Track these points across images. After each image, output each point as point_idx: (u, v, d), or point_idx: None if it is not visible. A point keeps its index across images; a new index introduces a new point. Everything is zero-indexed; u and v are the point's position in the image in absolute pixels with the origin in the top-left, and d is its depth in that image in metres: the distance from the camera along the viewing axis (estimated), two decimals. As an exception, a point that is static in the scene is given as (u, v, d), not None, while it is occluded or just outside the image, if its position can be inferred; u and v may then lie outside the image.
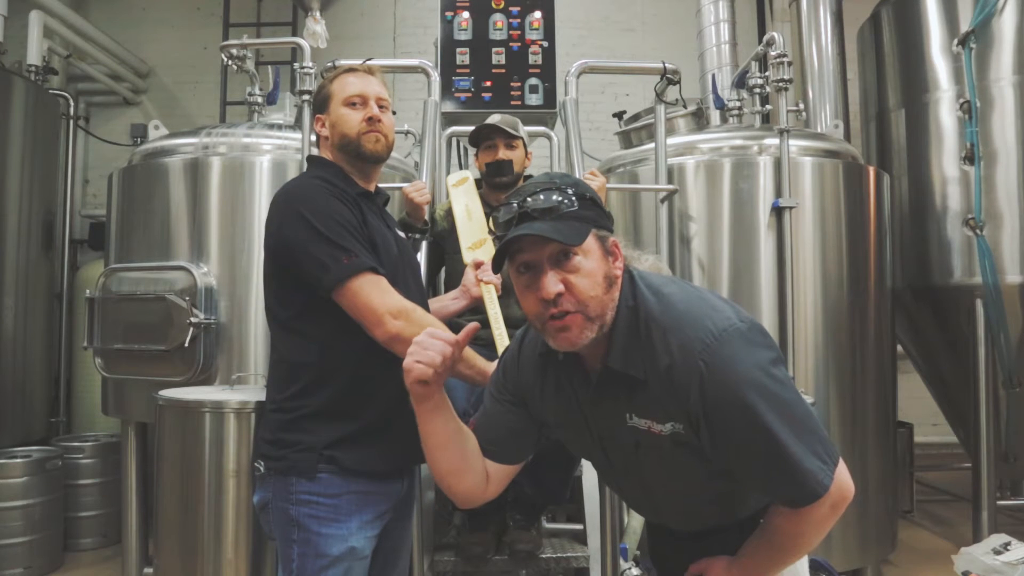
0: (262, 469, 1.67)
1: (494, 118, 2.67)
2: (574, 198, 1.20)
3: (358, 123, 1.73)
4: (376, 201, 1.82)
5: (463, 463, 1.37)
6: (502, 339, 2.18)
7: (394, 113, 1.92)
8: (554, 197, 1.19)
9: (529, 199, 1.19)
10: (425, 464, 1.43)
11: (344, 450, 1.60)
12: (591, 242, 1.20)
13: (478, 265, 2.33)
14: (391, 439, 1.62)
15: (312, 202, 1.63)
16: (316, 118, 1.82)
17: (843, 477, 1.21)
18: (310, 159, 1.85)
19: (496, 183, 2.63)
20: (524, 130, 2.70)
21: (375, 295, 1.57)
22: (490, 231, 2.48)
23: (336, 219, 1.61)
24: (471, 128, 2.75)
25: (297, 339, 1.66)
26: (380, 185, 1.90)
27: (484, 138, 2.66)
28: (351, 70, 1.81)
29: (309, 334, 1.64)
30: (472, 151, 2.84)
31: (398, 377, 1.59)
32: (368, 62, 2.72)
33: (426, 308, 1.87)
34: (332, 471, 1.59)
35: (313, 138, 3.15)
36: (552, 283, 1.16)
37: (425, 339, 1.24)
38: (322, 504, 1.58)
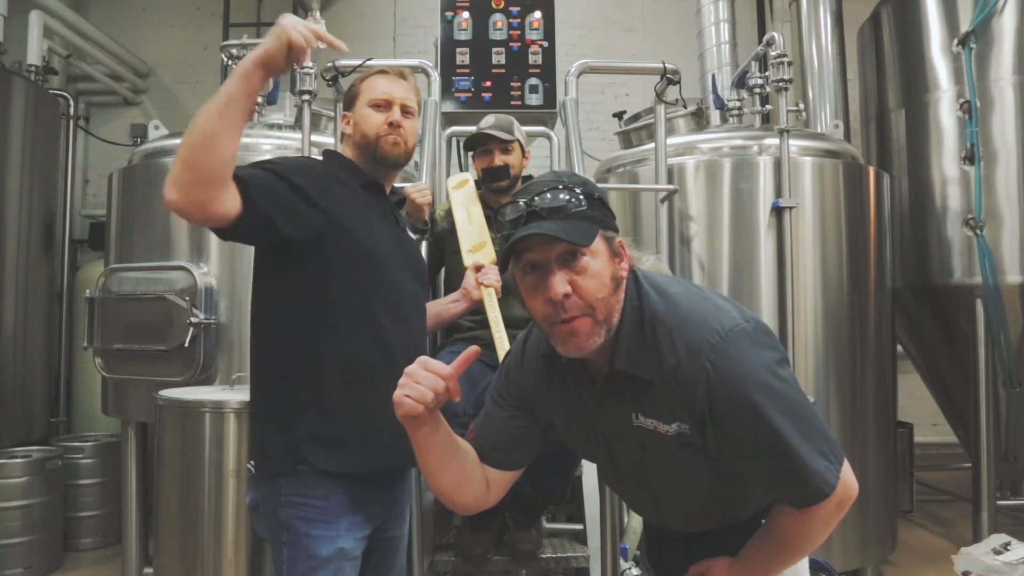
0: (252, 470, 1.67)
1: (488, 121, 2.64)
2: (582, 197, 1.19)
3: (379, 125, 1.73)
4: (385, 198, 1.81)
5: (463, 479, 1.35)
6: (502, 342, 2.18)
7: None
8: (562, 196, 1.18)
9: (537, 198, 1.18)
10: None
11: (321, 451, 1.58)
12: (598, 243, 1.19)
13: (478, 268, 2.33)
14: (371, 443, 1.60)
15: (282, 162, 1.61)
16: (343, 115, 1.82)
17: (848, 476, 1.21)
18: (324, 153, 1.85)
19: (494, 188, 2.63)
20: (520, 130, 2.67)
21: None
22: (491, 227, 2.49)
23: (285, 169, 1.55)
24: (471, 128, 2.75)
25: (271, 340, 1.64)
26: None
27: (479, 143, 2.66)
28: (382, 72, 1.80)
29: (283, 336, 1.62)
30: (470, 154, 2.84)
31: (374, 382, 1.58)
32: (368, 62, 2.72)
33: (423, 310, 1.87)
34: (316, 472, 1.58)
35: (316, 139, 3.17)
36: (560, 284, 1.15)
37: (417, 371, 1.18)
38: (310, 506, 1.57)
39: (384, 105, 1.75)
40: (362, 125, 1.75)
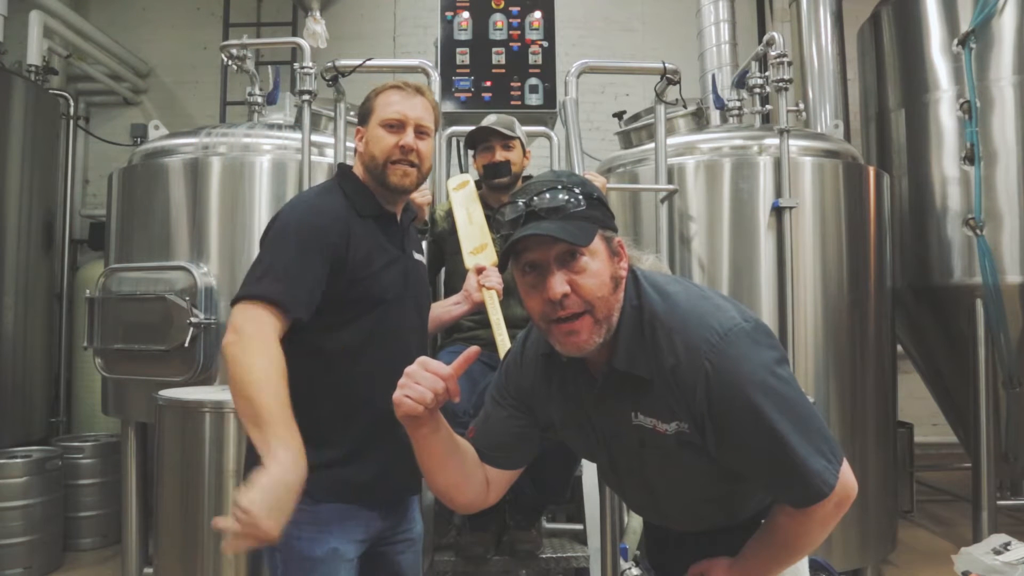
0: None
1: (489, 119, 2.65)
2: (581, 197, 1.18)
3: (390, 147, 1.65)
4: (396, 222, 1.74)
5: (462, 478, 1.35)
6: (504, 344, 2.18)
7: None
8: (561, 196, 1.17)
9: (536, 198, 1.17)
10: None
11: (311, 477, 1.52)
12: (598, 242, 1.19)
13: (480, 270, 2.32)
14: (362, 478, 1.59)
15: (295, 220, 1.59)
16: (356, 130, 1.75)
17: (847, 475, 1.21)
18: (340, 168, 1.79)
19: (495, 184, 2.63)
20: (521, 129, 2.67)
21: (242, 316, 1.51)
22: (492, 228, 2.49)
23: (296, 239, 1.55)
24: (471, 128, 2.75)
25: None
26: None
27: (480, 140, 2.66)
28: (397, 87, 1.70)
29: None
30: (471, 153, 2.84)
31: (367, 420, 1.57)
32: (368, 62, 2.71)
33: (425, 333, 1.84)
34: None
35: (316, 139, 3.17)
36: (559, 283, 1.15)
37: (417, 371, 1.18)
38: (302, 509, 1.54)
39: (398, 126, 1.67)
40: (372, 147, 1.67)
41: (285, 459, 1.30)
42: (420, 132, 1.68)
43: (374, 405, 1.56)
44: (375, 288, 1.63)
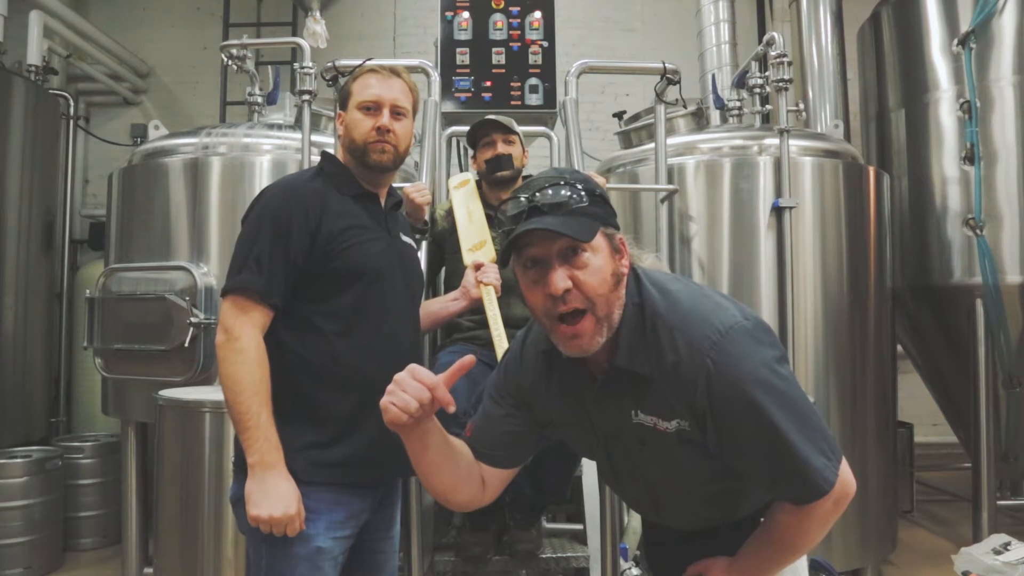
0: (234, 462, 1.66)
1: (488, 117, 2.67)
2: (584, 194, 1.19)
3: (367, 131, 1.68)
4: (378, 206, 1.77)
5: (457, 479, 1.35)
6: (500, 340, 2.18)
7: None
8: (564, 192, 1.18)
9: (538, 193, 1.18)
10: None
11: (299, 462, 1.56)
12: (600, 239, 1.19)
13: (478, 267, 2.32)
14: (351, 456, 1.60)
15: (270, 203, 1.63)
16: (337, 114, 1.79)
17: (846, 473, 1.22)
18: (322, 155, 1.82)
19: (497, 179, 2.62)
20: (519, 129, 2.69)
21: (230, 313, 1.57)
22: (492, 226, 2.49)
23: (272, 224, 1.59)
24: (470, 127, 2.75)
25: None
26: None
27: (481, 135, 2.66)
28: (373, 71, 1.74)
29: (267, 344, 1.60)
30: (471, 152, 2.84)
31: (355, 397, 1.59)
32: (368, 62, 2.71)
33: (416, 316, 1.85)
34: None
35: (316, 139, 3.17)
36: (560, 279, 1.15)
37: (405, 379, 1.16)
38: None
39: (374, 107, 1.70)
40: (351, 130, 1.71)
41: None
42: (396, 113, 1.72)
43: (364, 382, 1.58)
44: (355, 260, 1.64)
